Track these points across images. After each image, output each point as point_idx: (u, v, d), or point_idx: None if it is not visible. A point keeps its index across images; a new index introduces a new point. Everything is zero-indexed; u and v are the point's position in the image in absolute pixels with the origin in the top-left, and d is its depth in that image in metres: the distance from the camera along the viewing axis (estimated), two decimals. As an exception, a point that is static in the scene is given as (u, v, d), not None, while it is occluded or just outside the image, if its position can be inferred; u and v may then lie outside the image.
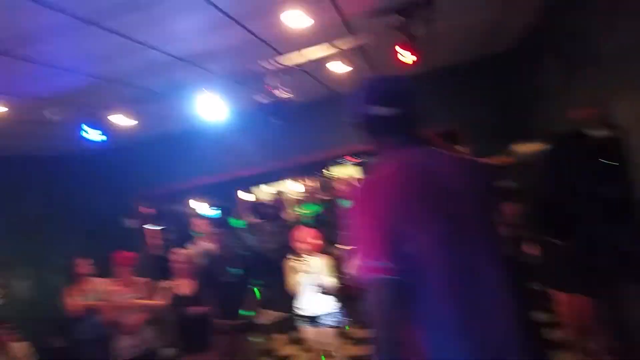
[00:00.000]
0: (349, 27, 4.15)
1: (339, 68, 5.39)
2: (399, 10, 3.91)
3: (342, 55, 4.76)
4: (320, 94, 6.69)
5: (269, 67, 4.29)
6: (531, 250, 4.97)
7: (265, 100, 4.49)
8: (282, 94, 4.44)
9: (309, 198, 16.32)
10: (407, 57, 4.08)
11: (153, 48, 3.76)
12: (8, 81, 3.84)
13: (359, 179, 1.48)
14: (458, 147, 7.27)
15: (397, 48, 4.02)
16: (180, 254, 5.00)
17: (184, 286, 4.76)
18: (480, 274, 1.38)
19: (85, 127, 4.57)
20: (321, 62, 4.81)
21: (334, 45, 4.09)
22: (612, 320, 3.72)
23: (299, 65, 4.46)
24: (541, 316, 5.13)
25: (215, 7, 3.25)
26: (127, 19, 3.13)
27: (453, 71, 6.57)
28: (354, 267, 1.36)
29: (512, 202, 5.01)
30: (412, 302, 1.33)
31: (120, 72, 4.20)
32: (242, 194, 13.64)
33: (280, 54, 4.44)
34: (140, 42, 3.60)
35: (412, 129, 1.55)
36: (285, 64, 4.32)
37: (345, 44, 4.14)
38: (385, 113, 1.52)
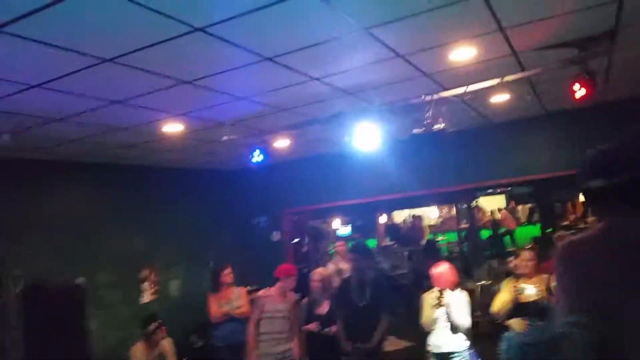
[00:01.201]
0: (519, 60, 3.95)
1: (500, 99, 5.17)
2: (576, 43, 3.62)
3: (508, 87, 4.55)
4: (476, 124, 6.47)
5: (429, 99, 4.24)
6: None
7: (420, 131, 4.45)
8: (438, 124, 4.36)
9: (445, 225, 15.81)
10: (581, 91, 3.76)
11: (319, 80, 3.94)
12: (189, 105, 4.31)
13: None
14: None
15: (575, 83, 3.71)
16: (317, 273, 5.14)
17: (322, 305, 4.92)
18: None
19: (255, 149, 4.91)
20: (483, 93, 4.65)
21: (502, 80, 3.90)
22: None
23: (460, 97, 4.35)
24: None
25: (383, 44, 3.31)
26: (297, 55, 3.33)
27: (633, 103, 5.91)
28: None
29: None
30: None
31: (287, 101, 4.48)
32: (381, 217, 13.68)
33: (442, 86, 4.38)
34: (307, 75, 3.80)
35: (633, 197, 1.43)
36: (447, 96, 4.24)
37: (514, 77, 3.93)
38: (602, 184, 1.46)
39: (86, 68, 3.17)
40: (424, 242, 12.34)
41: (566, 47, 3.67)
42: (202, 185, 7.83)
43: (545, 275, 4.01)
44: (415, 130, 4.23)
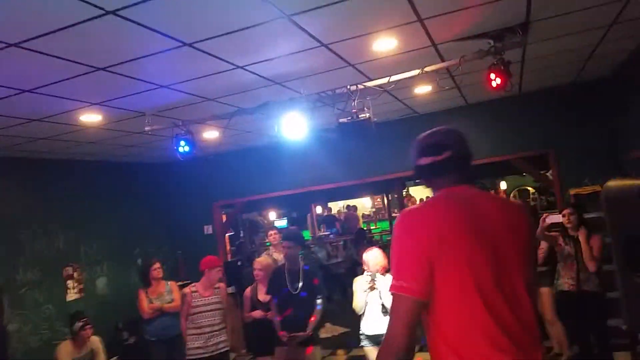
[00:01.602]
0: (438, 51, 4.08)
1: (423, 90, 5.33)
2: (491, 35, 3.79)
3: (429, 78, 4.69)
4: (402, 115, 6.64)
5: (354, 89, 4.30)
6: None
7: (346, 120, 4.50)
8: (363, 114, 4.43)
9: (378, 215, 16.25)
10: (497, 80, 3.94)
11: (243, 69, 3.89)
12: (106, 93, 4.11)
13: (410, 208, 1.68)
14: (546, 174, 6.97)
15: (490, 73, 3.89)
16: (258, 262, 5.17)
17: (262, 293, 4.96)
18: (513, 304, 1.60)
19: (180, 140, 4.79)
20: (406, 84, 4.77)
21: (422, 70, 4.02)
22: None
23: (383, 87, 4.44)
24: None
25: (307, 32, 3.31)
26: (221, 41, 3.26)
27: (547, 94, 6.33)
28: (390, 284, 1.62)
29: (599, 235, 4.71)
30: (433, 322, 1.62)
31: (212, 90, 4.38)
32: (315, 208, 13.79)
33: (366, 76, 4.45)
34: (232, 63, 3.73)
35: (460, 170, 1.80)
36: (370, 86, 4.31)
37: (434, 67, 4.06)
38: (432, 161, 1.80)
39: (-11, 52, 2.95)
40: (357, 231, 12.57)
41: (482, 38, 3.83)
42: (129, 179, 7.55)
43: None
44: (341, 120, 4.28)
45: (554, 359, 5.56)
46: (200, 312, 4.72)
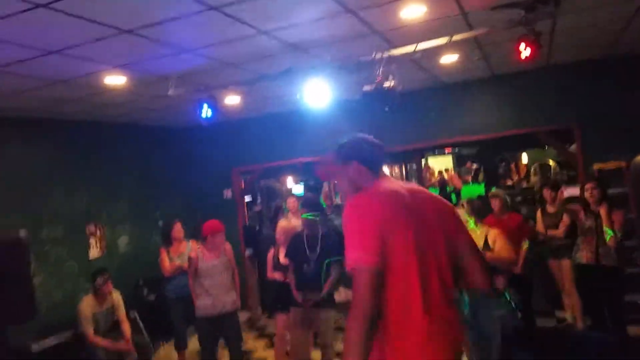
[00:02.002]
0: (467, 20, 3.98)
1: (449, 59, 5.23)
2: (523, 4, 3.68)
3: (456, 47, 4.60)
4: (425, 84, 6.54)
5: (379, 57, 4.23)
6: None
7: (370, 88, 4.46)
8: (389, 83, 4.38)
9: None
10: (527, 51, 3.86)
11: (268, 34, 3.85)
12: (130, 56, 4.11)
13: (367, 191, 1.91)
14: (569, 148, 6.85)
15: (520, 43, 3.80)
16: (280, 226, 5.33)
17: (282, 255, 5.11)
18: (440, 273, 1.95)
19: (203, 104, 4.80)
20: (433, 53, 4.69)
21: (450, 39, 3.94)
22: None
23: (409, 56, 4.37)
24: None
25: (334, -4, 3.25)
26: (247, 5, 3.22)
27: (576, 68, 6.17)
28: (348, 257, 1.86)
29: (621, 210, 4.67)
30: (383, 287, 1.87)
31: (235, 56, 4.36)
32: (333, 175, 13.79)
33: (392, 44, 4.38)
34: (256, 28, 3.70)
35: (379, 168, 2.15)
36: (396, 54, 4.24)
37: (463, 36, 3.97)
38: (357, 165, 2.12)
39: (19, 13, 2.96)
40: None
41: (514, 7, 3.72)
42: (152, 142, 7.65)
43: (481, 231, 4.22)
44: (365, 88, 4.24)
45: (565, 329, 5.62)
46: (208, 274, 4.84)
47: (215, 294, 4.83)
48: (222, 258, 4.94)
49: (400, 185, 2.09)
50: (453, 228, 2.10)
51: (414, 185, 2.22)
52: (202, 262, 4.85)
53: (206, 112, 4.87)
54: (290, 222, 5.71)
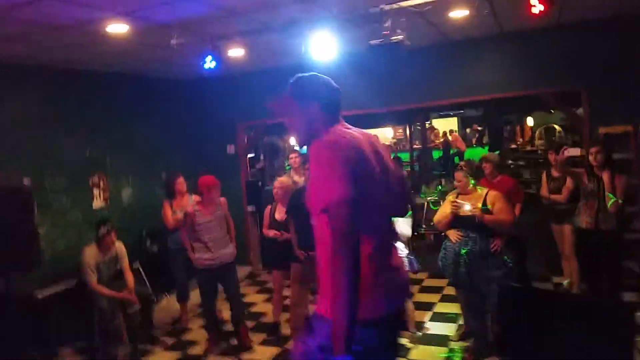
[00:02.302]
0: (479, -29, 3.86)
1: (459, 14, 5.10)
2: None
3: (466, 1, 4.47)
4: (433, 41, 6.40)
5: (387, 9, 4.12)
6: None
7: (377, 42, 4.37)
8: (396, 36, 4.29)
9: (399, 146, 16.15)
10: (540, 7, 3.75)
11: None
12: (132, 3, 4.01)
13: (336, 138, 1.89)
14: (576, 111, 6.77)
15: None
16: (279, 181, 5.34)
17: (280, 211, 5.16)
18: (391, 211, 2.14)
19: (206, 55, 4.72)
20: (442, 7, 4.56)
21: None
22: None
23: (417, 8, 4.25)
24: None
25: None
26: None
27: (586, 28, 5.98)
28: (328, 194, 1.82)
29: (624, 175, 4.65)
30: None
31: (239, 4, 4.24)
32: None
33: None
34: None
35: (338, 112, 2.12)
36: (405, 6, 4.12)
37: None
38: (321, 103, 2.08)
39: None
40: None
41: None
42: (157, 94, 7.55)
43: (481, 191, 4.22)
44: (372, 41, 4.15)
45: (562, 293, 5.69)
46: (205, 228, 4.91)
47: (213, 247, 4.92)
48: (218, 212, 5.02)
49: (358, 131, 2.10)
50: (394, 167, 2.19)
51: (363, 130, 2.18)
52: (199, 216, 4.91)
53: (210, 63, 4.80)
54: (289, 179, 5.71)
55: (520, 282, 4.72)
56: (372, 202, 1.92)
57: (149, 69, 6.91)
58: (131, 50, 5.56)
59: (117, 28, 4.58)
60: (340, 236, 1.75)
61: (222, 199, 5.13)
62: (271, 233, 5.20)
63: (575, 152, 4.91)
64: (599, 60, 5.97)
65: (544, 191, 5.60)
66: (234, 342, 5.19)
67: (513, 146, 12.98)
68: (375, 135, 2.19)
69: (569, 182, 5.27)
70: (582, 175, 4.87)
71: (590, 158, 4.74)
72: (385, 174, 2.05)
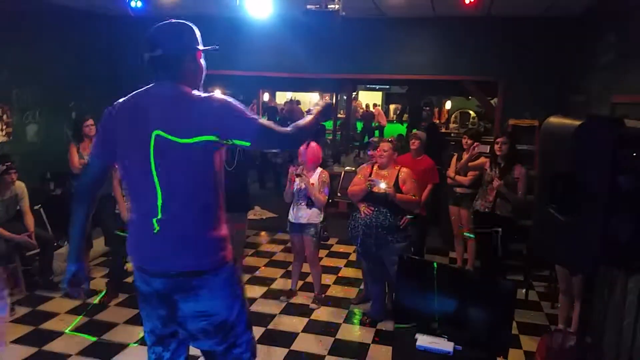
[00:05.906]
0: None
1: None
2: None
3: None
4: (367, 13, 6.47)
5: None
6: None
7: (313, 7, 4.35)
8: (332, 4, 4.30)
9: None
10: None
11: None
12: None
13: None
14: (491, 101, 7.20)
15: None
16: None
17: None
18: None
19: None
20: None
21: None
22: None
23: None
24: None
25: None
26: None
27: (514, 23, 6.39)
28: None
29: (524, 167, 5.06)
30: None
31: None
32: (263, 95, 13.56)
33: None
34: None
35: (168, 69, 1.96)
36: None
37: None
38: (147, 58, 1.98)
39: None
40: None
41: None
42: (75, 27, 6.98)
43: (396, 168, 4.40)
44: (309, 6, 4.13)
45: (455, 268, 6.14)
46: None
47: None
48: None
49: (160, 93, 2.09)
50: None
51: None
52: None
53: (136, 2, 4.53)
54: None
55: (418, 255, 5.04)
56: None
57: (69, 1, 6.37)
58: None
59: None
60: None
61: None
62: None
63: (484, 149, 5.25)
64: (519, 55, 6.39)
65: (451, 171, 5.88)
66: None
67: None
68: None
69: (474, 171, 5.60)
70: (485, 163, 5.23)
71: (496, 147, 5.08)
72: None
